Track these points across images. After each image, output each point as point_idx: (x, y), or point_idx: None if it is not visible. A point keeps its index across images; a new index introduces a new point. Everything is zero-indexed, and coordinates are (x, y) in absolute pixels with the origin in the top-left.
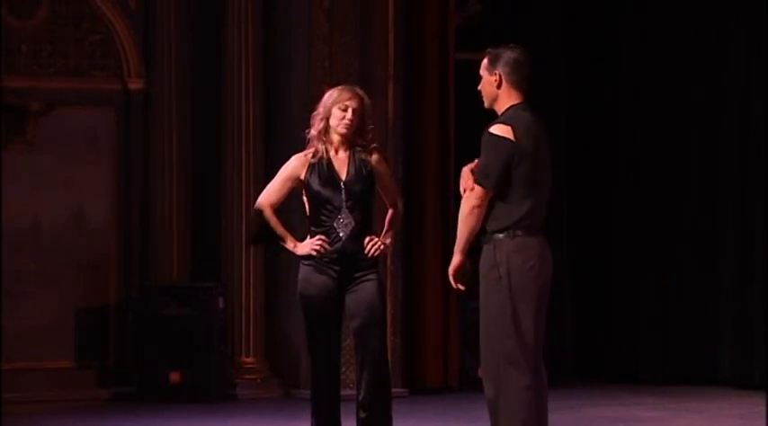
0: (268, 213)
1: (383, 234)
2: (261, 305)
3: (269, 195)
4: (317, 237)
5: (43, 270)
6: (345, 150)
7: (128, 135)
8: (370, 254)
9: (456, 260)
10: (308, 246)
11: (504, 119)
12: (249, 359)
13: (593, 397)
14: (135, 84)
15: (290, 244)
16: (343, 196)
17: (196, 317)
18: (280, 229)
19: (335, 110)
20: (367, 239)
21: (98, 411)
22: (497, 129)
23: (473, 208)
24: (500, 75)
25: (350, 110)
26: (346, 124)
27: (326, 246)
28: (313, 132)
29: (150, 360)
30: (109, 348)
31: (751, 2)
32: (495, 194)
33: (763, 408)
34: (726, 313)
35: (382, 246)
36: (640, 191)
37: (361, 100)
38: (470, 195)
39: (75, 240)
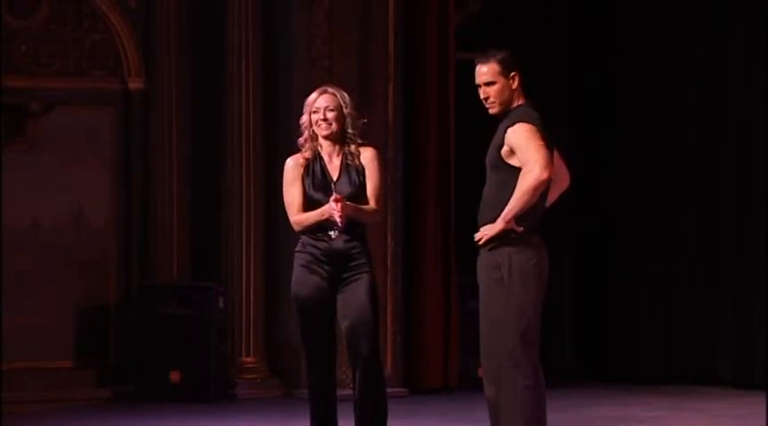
0: (303, 219)
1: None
2: (261, 305)
3: (293, 208)
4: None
5: (43, 270)
6: (338, 154)
7: (128, 135)
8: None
9: (499, 227)
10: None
11: (528, 119)
12: (249, 359)
13: (593, 397)
14: (135, 84)
15: (320, 217)
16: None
17: (196, 317)
18: (313, 215)
19: (312, 115)
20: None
21: (98, 411)
22: (529, 128)
23: (540, 184)
24: (518, 76)
25: (321, 110)
26: (323, 126)
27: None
28: (301, 140)
29: (150, 360)
30: (109, 348)
31: (751, 2)
32: (496, 193)
33: (763, 408)
34: (726, 313)
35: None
36: (642, 192)
37: (332, 96)
38: (536, 173)
39: (74, 240)
